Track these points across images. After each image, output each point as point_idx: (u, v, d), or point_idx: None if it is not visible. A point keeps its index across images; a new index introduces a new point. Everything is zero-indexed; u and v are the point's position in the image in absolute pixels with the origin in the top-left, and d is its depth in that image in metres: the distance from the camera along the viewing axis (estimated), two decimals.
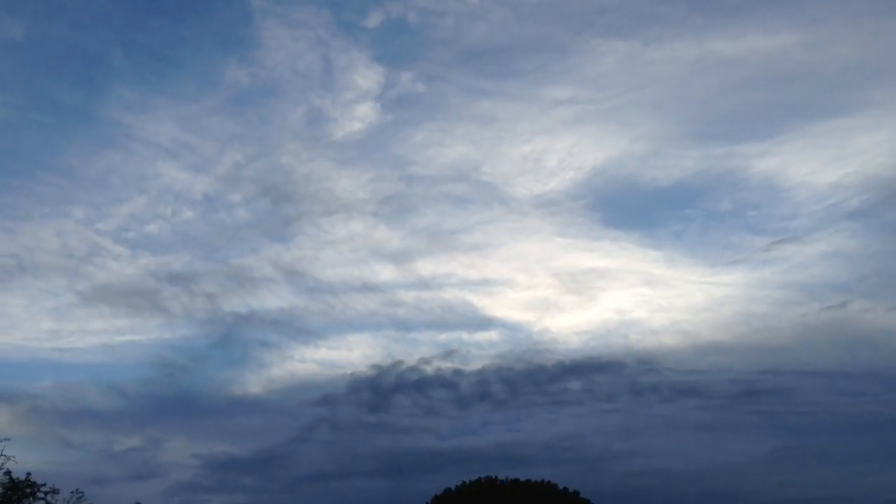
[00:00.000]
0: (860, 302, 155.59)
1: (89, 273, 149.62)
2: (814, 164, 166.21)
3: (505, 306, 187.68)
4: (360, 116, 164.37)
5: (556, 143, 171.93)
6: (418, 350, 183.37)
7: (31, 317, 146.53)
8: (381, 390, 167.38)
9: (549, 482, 69.30)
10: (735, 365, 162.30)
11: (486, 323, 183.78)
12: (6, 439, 27.39)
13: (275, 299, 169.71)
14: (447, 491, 70.58)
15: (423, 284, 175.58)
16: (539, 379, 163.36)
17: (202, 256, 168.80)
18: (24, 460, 28.94)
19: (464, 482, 70.63)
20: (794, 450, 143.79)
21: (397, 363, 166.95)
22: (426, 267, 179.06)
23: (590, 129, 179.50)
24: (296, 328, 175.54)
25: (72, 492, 32.04)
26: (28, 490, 27.48)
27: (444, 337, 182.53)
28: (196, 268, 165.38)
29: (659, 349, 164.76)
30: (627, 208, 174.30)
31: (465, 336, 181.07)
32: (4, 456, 26.75)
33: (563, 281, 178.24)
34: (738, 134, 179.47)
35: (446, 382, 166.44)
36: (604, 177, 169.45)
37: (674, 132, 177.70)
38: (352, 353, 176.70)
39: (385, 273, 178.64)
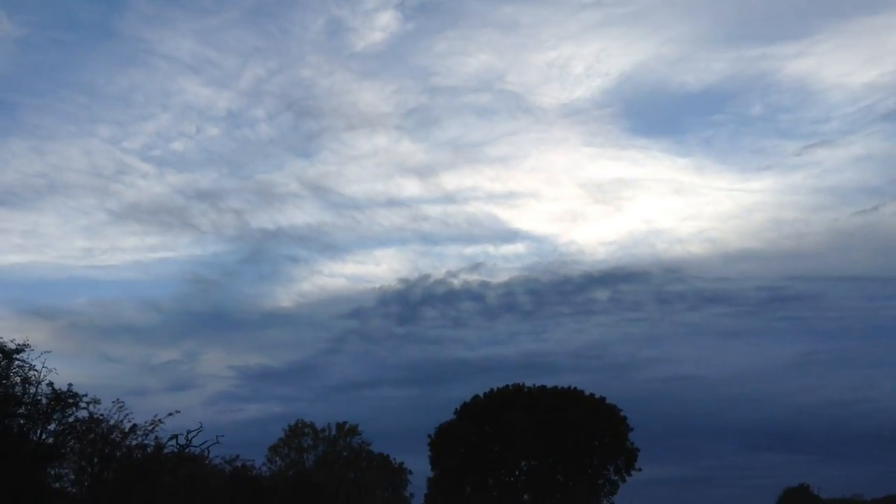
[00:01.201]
0: (893, 205, 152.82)
1: (118, 191, 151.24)
2: (848, 64, 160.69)
3: (531, 218, 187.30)
4: (380, 26, 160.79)
5: (583, 49, 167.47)
6: (445, 264, 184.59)
7: (64, 236, 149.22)
8: (409, 303, 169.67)
9: (575, 388, 70.51)
10: (763, 272, 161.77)
11: (512, 235, 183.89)
12: (47, 352, 28.23)
13: (301, 215, 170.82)
14: (475, 398, 72.12)
15: (449, 198, 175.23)
16: (565, 290, 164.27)
17: (228, 173, 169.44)
18: (65, 374, 29.93)
19: (491, 389, 72.07)
20: (822, 354, 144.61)
21: (424, 277, 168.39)
22: (451, 180, 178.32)
23: (617, 33, 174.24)
24: (323, 243, 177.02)
25: (113, 402, 33.31)
26: (71, 400, 28.50)
27: (470, 250, 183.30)
28: (222, 185, 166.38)
29: (686, 258, 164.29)
30: (656, 115, 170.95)
31: (491, 249, 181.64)
32: (46, 368, 27.62)
33: (589, 191, 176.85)
34: (771, 34, 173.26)
35: (473, 295, 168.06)
36: (632, 83, 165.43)
37: (704, 34, 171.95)
38: (379, 268, 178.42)
39: (410, 188, 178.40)
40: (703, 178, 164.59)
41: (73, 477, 31.61)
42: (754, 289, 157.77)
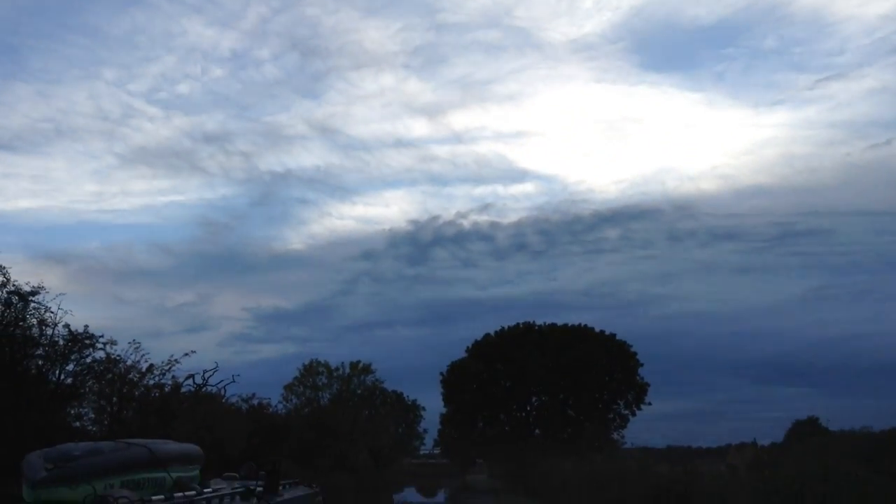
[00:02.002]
0: None
1: (125, 135, 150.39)
2: None
3: (540, 158, 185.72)
4: None
5: None
6: (454, 204, 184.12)
7: (73, 180, 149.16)
8: (419, 244, 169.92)
9: (585, 326, 71.00)
10: (775, 207, 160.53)
11: (521, 175, 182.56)
12: (61, 294, 28.40)
13: (310, 157, 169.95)
14: (486, 336, 72.81)
15: (457, 138, 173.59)
16: (575, 229, 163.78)
17: (234, 115, 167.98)
18: (80, 316, 30.17)
19: (502, 328, 72.69)
20: (833, 289, 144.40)
21: (434, 218, 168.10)
22: (459, 120, 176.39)
23: None
24: (332, 185, 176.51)
25: (129, 342, 33.67)
26: (87, 341, 28.81)
27: (479, 191, 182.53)
28: (229, 127, 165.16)
29: (697, 195, 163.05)
30: (667, 50, 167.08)
31: (500, 189, 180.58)
32: (62, 310, 27.83)
33: (599, 129, 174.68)
34: None
35: (483, 235, 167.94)
36: (642, 16, 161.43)
37: None
38: (389, 209, 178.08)
39: (418, 128, 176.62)
40: (715, 114, 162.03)
41: (93, 416, 32.19)
42: (766, 224, 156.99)
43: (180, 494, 6.50)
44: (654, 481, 18.88)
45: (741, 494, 10.77)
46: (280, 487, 9.18)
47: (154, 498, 6.06)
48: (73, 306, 28.51)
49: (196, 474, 7.93)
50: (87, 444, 6.92)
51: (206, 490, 7.45)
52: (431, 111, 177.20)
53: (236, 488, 7.99)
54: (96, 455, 6.48)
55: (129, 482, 6.44)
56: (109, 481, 6.22)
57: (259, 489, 8.43)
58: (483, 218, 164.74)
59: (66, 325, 27.76)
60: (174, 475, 7.20)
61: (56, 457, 6.34)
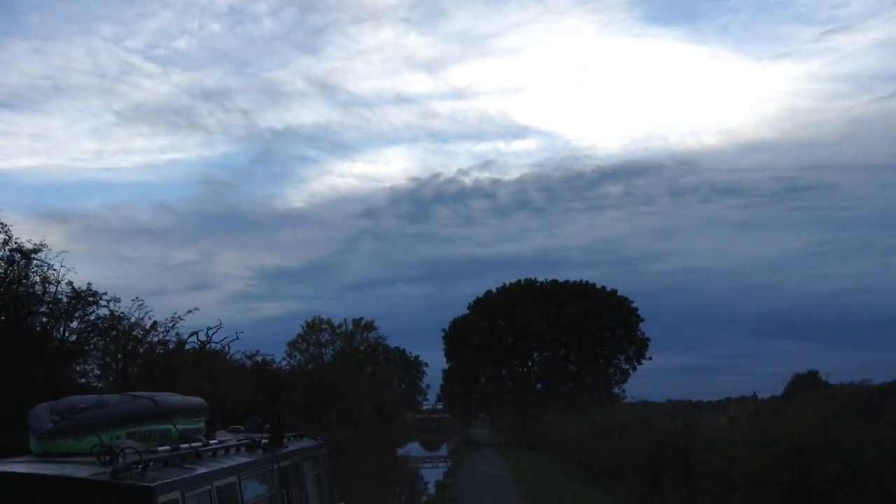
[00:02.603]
0: None
1: (124, 92, 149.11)
2: None
3: (542, 113, 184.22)
4: None
5: None
6: (456, 161, 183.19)
7: (73, 138, 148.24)
8: (420, 202, 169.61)
9: (587, 282, 71.21)
10: (778, 162, 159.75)
11: (523, 131, 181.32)
12: (64, 252, 28.43)
13: (309, 114, 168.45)
14: (488, 293, 73.09)
15: (458, 94, 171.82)
16: (577, 185, 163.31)
17: (233, 71, 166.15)
18: (83, 275, 30.25)
19: (504, 285, 72.96)
20: (834, 244, 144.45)
21: (435, 175, 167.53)
22: (460, 75, 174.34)
23: None
24: (332, 143, 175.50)
25: (132, 300, 33.82)
26: (91, 299, 28.90)
27: (481, 147, 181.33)
28: (228, 83, 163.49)
29: (700, 150, 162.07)
30: (670, 2, 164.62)
31: (502, 146, 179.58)
32: (65, 268, 27.86)
33: (602, 84, 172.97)
34: None
35: (485, 192, 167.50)
36: None
37: None
38: (390, 167, 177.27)
39: (418, 83, 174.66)
40: (719, 68, 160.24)
41: (98, 373, 32.50)
42: (768, 179, 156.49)
43: (186, 445, 6.56)
44: (655, 433, 19.09)
45: (741, 445, 10.89)
46: (285, 440, 9.26)
47: (160, 449, 6.10)
48: (75, 265, 28.55)
49: (201, 426, 7.99)
50: (92, 397, 6.96)
51: (211, 442, 7.51)
52: (432, 66, 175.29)
53: (241, 440, 8.06)
54: (102, 407, 6.52)
55: (134, 434, 6.49)
56: (115, 433, 6.26)
57: (264, 441, 8.51)
58: (484, 175, 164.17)
59: (70, 283, 27.84)
60: (180, 427, 7.26)
61: (62, 409, 6.38)
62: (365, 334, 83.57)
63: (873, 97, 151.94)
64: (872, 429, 9.01)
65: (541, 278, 72.81)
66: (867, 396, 29.55)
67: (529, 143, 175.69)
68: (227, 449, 7.28)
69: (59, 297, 27.92)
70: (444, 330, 73.44)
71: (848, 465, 8.63)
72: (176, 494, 5.39)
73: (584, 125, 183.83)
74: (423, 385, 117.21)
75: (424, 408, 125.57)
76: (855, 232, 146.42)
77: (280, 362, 59.75)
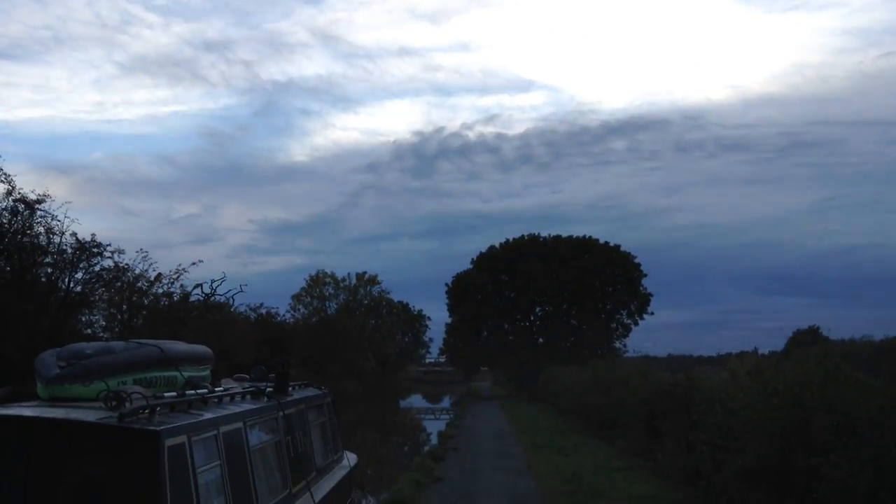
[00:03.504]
0: None
1: (125, 43, 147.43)
2: None
3: (547, 67, 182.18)
4: None
5: None
6: (460, 115, 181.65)
7: (74, 89, 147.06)
8: (424, 156, 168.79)
9: (590, 237, 71.13)
10: (785, 117, 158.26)
11: (527, 85, 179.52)
12: (67, 203, 28.45)
13: (312, 66, 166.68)
14: (491, 248, 73.10)
15: (462, 46, 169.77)
16: (582, 140, 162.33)
17: (235, 22, 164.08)
18: (87, 227, 30.40)
19: (507, 240, 72.90)
20: (840, 200, 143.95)
21: (439, 129, 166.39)
22: (465, 27, 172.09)
23: None
24: (335, 95, 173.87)
25: (137, 251, 33.94)
26: (95, 250, 28.99)
27: (485, 101, 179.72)
28: (230, 34, 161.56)
29: (706, 104, 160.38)
30: None
31: (506, 100, 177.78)
32: (69, 218, 27.89)
33: (608, 37, 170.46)
34: None
35: (489, 147, 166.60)
36: None
37: None
38: (393, 120, 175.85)
39: (422, 35, 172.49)
40: (726, 21, 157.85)
41: (103, 324, 32.76)
42: (775, 135, 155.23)
43: (192, 392, 6.62)
44: (655, 386, 19.25)
45: (741, 397, 10.98)
46: (290, 388, 9.37)
47: (166, 395, 6.17)
48: (79, 216, 28.65)
49: (207, 374, 8.07)
50: (98, 344, 7.01)
51: (216, 389, 7.59)
52: (436, 17, 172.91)
53: (247, 388, 8.15)
54: (108, 354, 6.57)
55: (141, 380, 6.55)
56: (122, 379, 6.32)
57: (269, 389, 8.60)
58: (489, 129, 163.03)
59: (74, 234, 27.90)
60: (185, 374, 7.32)
61: (68, 355, 6.43)
62: (368, 288, 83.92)
63: (882, 52, 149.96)
64: (873, 382, 9.07)
65: (544, 234, 72.81)
66: (868, 352, 29.72)
67: (534, 98, 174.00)
68: (232, 396, 7.37)
69: (64, 248, 28.02)
70: (447, 285, 73.73)
71: (848, 416, 8.70)
72: (182, 439, 5.46)
73: (589, 79, 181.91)
74: (426, 339, 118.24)
75: (427, 361, 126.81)
76: (860, 188, 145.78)
77: (284, 315, 60.20)
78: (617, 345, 68.96)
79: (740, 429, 10.35)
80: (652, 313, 69.72)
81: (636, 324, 69.90)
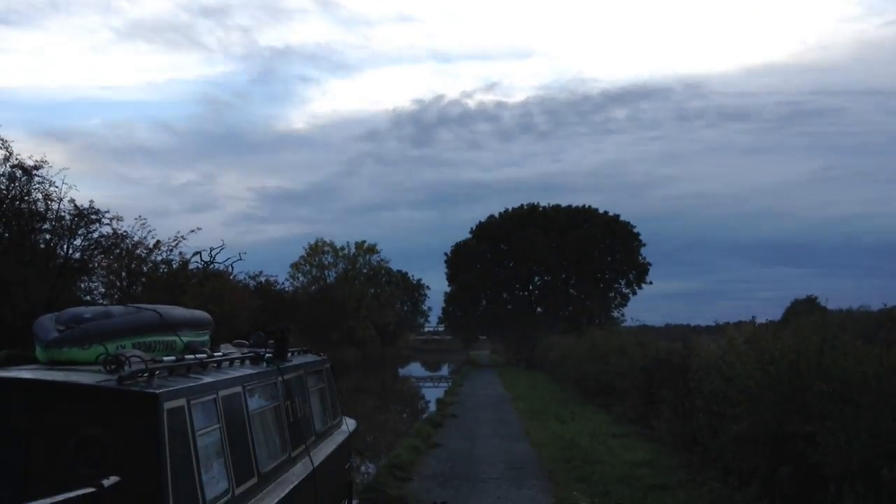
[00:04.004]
0: None
1: (121, 8, 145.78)
2: None
3: (548, 34, 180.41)
4: None
5: None
6: (459, 83, 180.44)
7: (71, 55, 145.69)
8: (423, 125, 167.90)
9: (589, 207, 71.05)
10: (785, 86, 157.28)
11: (528, 52, 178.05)
12: (65, 169, 28.34)
13: (310, 32, 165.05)
14: (490, 218, 73.00)
15: (462, 13, 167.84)
16: (583, 109, 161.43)
17: None
18: (85, 194, 30.32)
19: (506, 209, 72.80)
20: (840, 170, 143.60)
21: (438, 97, 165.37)
22: None
23: None
24: (334, 63, 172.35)
25: (135, 219, 33.90)
26: (94, 216, 28.90)
27: (485, 69, 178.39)
28: (227, 0, 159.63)
29: (707, 73, 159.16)
30: None
31: (507, 67, 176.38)
32: (66, 185, 27.79)
33: (609, 4, 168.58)
34: None
35: (489, 115, 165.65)
36: None
37: None
38: (392, 88, 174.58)
39: (422, 1, 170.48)
40: None
41: (102, 290, 32.82)
42: (775, 104, 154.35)
43: (191, 356, 6.62)
44: (653, 354, 19.35)
45: (738, 365, 11.03)
46: (289, 354, 9.38)
47: (165, 359, 6.17)
48: (77, 183, 28.54)
49: (206, 339, 8.08)
50: (97, 308, 7.01)
51: (216, 354, 7.60)
52: None
53: (246, 354, 8.16)
54: (107, 318, 6.56)
55: (139, 344, 6.55)
56: (121, 342, 6.32)
57: (268, 355, 8.62)
58: (489, 97, 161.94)
59: (72, 201, 27.81)
60: (184, 339, 7.33)
61: (67, 319, 6.42)
62: (367, 257, 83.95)
63: (884, 20, 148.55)
64: (870, 349, 9.10)
65: (544, 203, 72.67)
66: (865, 322, 29.78)
67: (535, 65, 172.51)
68: (231, 361, 7.38)
69: (62, 214, 27.94)
70: (446, 254, 73.76)
71: (845, 384, 8.74)
72: (181, 402, 5.47)
73: (591, 47, 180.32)
74: (425, 308, 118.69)
75: (426, 330, 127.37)
76: (860, 158, 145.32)
77: (283, 284, 60.26)
78: (615, 314, 69.24)
79: (737, 396, 10.41)
80: (650, 283, 69.98)
81: (634, 293, 70.17)
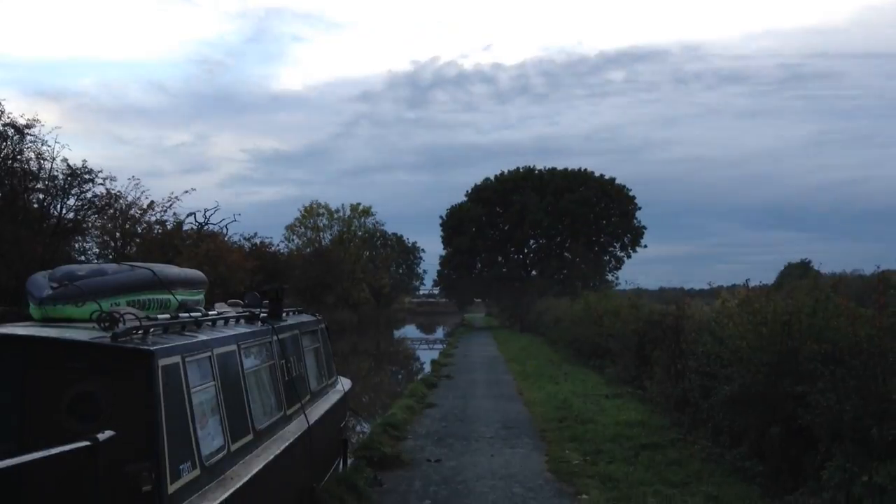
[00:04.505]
0: None
1: None
2: None
3: None
4: None
5: None
6: (456, 44, 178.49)
7: (62, 14, 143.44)
8: (419, 86, 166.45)
9: (585, 170, 70.85)
10: (784, 49, 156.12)
11: (526, 13, 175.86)
12: (57, 128, 28.12)
13: None
14: (486, 181, 72.79)
15: None
16: (580, 70, 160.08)
17: None
18: (78, 154, 30.10)
19: (502, 172, 72.56)
20: (836, 134, 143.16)
21: (435, 58, 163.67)
22: None
23: None
24: (328, 22, 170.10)
25: (129, 179, 33.75)
26: (87, 176, 28.77)
27: (482, 28, 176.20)
28: None
29: (705, 35, 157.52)
30: None
31: (503, 27, 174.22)
32: (59, 144, 27.61)
33: None
34: None
35: (485, 77, 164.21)
36: None
37: None
38: (388, 48, 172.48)
39: None
40: None
41: (96, 251, 32.82)
42: (774, 66, 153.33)
43: (185, 315, 6.62)
44: (646, 315, 19.45)
45: (730, 326, 11.09)
46: (284, 314, 9.41)
47: (160, 317, 6.17)
48: (70, 144, 28.35)
49: (200, 298, 8.09)
50: (90, 265, 6.99)
51: (210, 313, 7.61)
52: None
53: (241, 313, 8.18)
54: (101, 275, 6.55)
55: (134, 302, 6.55)
56: (115, 300, 6.31)
57: (263, 314, 8.64)
58: (486, 58, 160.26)
59: (65, 160, 27.66)
60: (179, 298, 7.33)
61: (60, 276, 6.40)
62: (362, 220, 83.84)
63: None
64: (863, 311, 9.15)
65: (540, 166, 72.41)
66: (858, 285, 29.92)
67: (532, 25, 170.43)
68: (226, 320, 7.39)
69: (55, 174, 27.80)
70: (441, 217, 73.68)
71: (836, 345, 8.80)
72: (176, 359, 5.48)
73: (589, 8, 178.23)
74: (420, 271, 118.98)
75: (421, 293, 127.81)
76: (858, 122, 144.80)
77: (278, 245, 60.19)
78: (609, 277, 69.43)
79: (729, 357, 10.48)
80: (645, 246, 70.12)
81: (629, 257, 70.37)
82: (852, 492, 7.53)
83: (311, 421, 8.66)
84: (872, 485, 7.10)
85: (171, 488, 4.99)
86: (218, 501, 5.36)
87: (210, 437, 5.88)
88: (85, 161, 28.70)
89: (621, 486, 10.01)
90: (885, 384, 7.63)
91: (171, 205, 35.36)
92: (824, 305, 9.86)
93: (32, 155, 26.87)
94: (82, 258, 30.66)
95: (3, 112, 25.85)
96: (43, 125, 26.95)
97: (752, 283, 13.75)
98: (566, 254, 69.82)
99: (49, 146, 27.29)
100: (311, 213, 79.89)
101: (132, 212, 33.07)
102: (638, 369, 19.74)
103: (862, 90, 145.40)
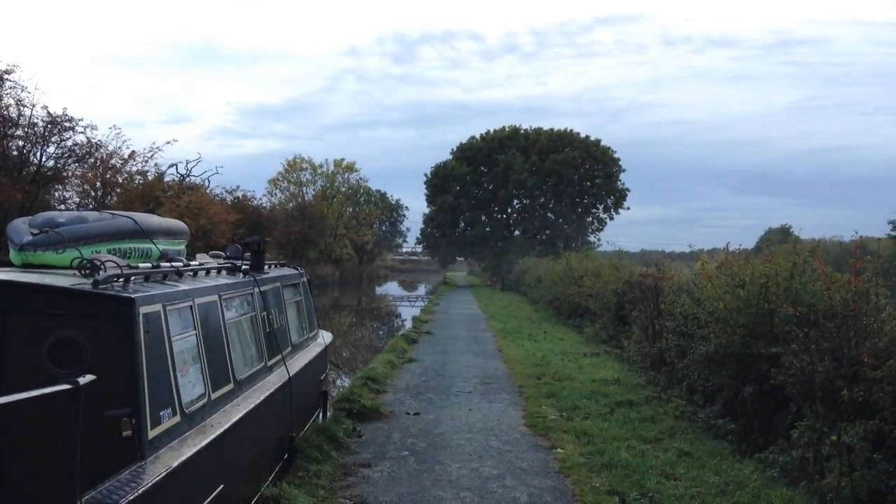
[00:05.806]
0: None
1: None
2: None
3: None
4: None
5: None
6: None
7: None
8: (405, 41, 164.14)
9: (571, 130, 70.64)
10: (774, 12, 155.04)
11: None
12: (37, 74, 27.53)
13: None
14: (472, 139, 72.43)
15: None
16: (569, 30, 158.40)
17: None
18: (60, 101, 29.53)
19: (488, 131, 72.19)
20: (822, 100, 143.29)
21: (422, 14, 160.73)
22: None
23: None
24: None
25: (110, 128, 33.26)
26: (67, 124, 28.31)
27: None
28: None
29: None
30: None
31: None
32: (39, 90, 27.15)
33: None
34: None
35: (473, 34, 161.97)
36: None
37: None
38: (374, 1, 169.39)
39: None
40: None
41: (77, 200, 32.44)
42: (763, 31, 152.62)
43: (167, 264, 6.61)
44: (626, 276, 19.63)
45: (708, 287, 11.23)
46: (265, 266, 9.41)
47: (141, 266, 6.15)
48: (50, 91, 27.83)
49: (182, 248, 8.07)
50: (71, 213, 6.94)
51: (192, 263, 7.60)
52: None
53: (222, 264, 8.17)
54: (82, 222, 6.51)
55: (115, 250, 6.52)
56: (95, 248, 6.29)
57: (245, 266, 8.63)
58: (473, 12, 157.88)
59: (45, 107, 27.21)
60: (160, 247, 7.31)
61: (41, 222, 6.36)
62: (346, 175, 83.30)
63: None
64: (838, 275, 9.28)
65: (526, 126, 72.07)
66: (836, 251, 30.32)
67: None
68: (208, 271, 7.38)
69: (35, 121, 27.33)
70: (425, 175, 73.37)
71: (812, 308, 8.95)
72: (157, 307, 5.49)
73: None
74: (404, 228, 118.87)
75: (404, 250, 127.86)
76: (844, 89, 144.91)
77: (260, 199, 59.77)
78: (591, 238, 69.77)
79: (706, 318, 10.63)
80: (628, 208, 70.38)
81: (612, 218, 70.62)
82: (821, 450, 7.73)
83: (292, 372, 8.73)
84: (840, 444, 7.29)
85: (151, 434, 5.03)
86: (198, 448, 5.42)
87: (190, 385, 5.91)
88: (65, 109, 28.33)
89: (596, 440, 10.21)
90: (857, 347, 7.78)
91: (152, 155, 34.97)
92: (801, 269, 9.99)
93: (12, 101, 26.40)
94: (62, 207, 30.33)
95: None
96: (23, 71, 26.37)
97: (732, 247, 13.91)
98: (549, 214, 69.95)
99: (29, 93, 26.80)
100: (295, 167, 79.27)
101: (113, 161, 32.67)
102: (616, 329, 19.99)
103: (849, 57, 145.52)
